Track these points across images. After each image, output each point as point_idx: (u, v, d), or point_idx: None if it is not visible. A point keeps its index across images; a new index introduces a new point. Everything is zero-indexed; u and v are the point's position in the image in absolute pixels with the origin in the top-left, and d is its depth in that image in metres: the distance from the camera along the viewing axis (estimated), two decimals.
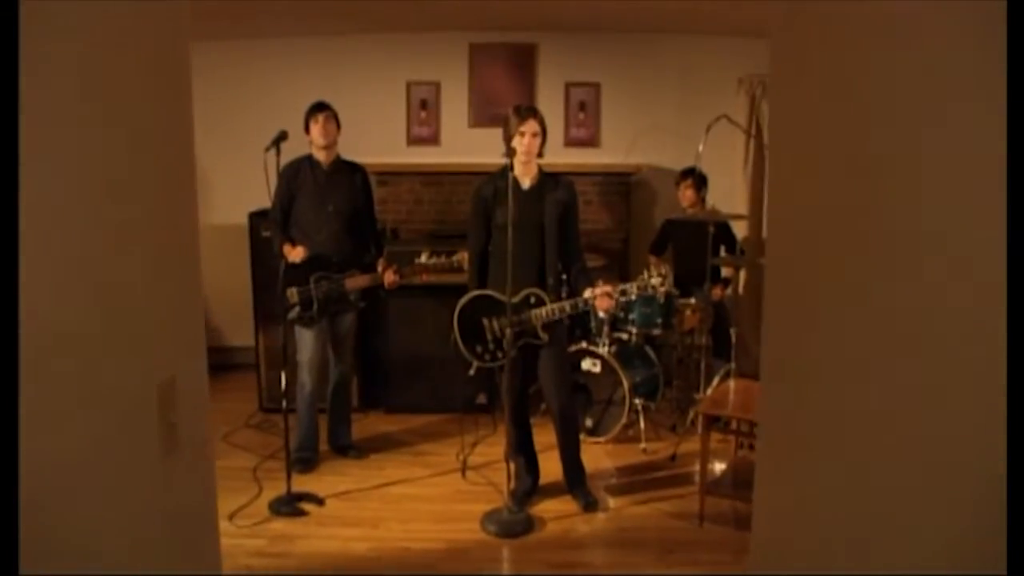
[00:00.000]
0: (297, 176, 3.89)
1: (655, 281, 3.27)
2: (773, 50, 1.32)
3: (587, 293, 3.30)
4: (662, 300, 4.28)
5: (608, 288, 3.28)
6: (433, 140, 5.61)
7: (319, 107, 3.85)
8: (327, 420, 4.16)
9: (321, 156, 3.90)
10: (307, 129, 3.87)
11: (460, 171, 5.33)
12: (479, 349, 3.38)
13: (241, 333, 5.41)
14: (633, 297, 3.35)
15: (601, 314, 4.10)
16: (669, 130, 5.53)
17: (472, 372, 3.44)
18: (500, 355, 3.34)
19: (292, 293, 3.81)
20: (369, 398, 4.86)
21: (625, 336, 4.48)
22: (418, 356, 4.67)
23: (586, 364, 4.32)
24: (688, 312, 4.53)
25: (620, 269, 5.40)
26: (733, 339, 4.43)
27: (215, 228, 5.65)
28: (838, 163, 1.11)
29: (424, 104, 5.58)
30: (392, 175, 5.48)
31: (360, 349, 4.72)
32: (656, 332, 4.45)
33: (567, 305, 3.27)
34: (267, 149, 3.31)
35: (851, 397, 1.10)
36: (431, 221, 5.51)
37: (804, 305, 1.23)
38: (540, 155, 3.38)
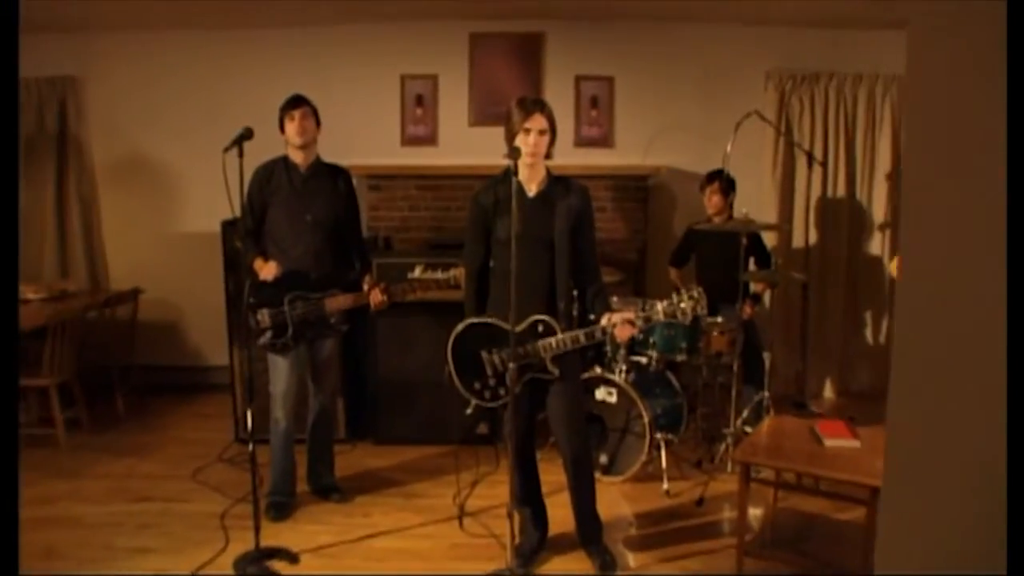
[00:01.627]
0: (270, 181, 3.40)
1: (685, 305, 2.76)
2: (911, 42, 1.18)
3: (605, 320, 2.78)
4: (688, 321, 3.77)
5: (630, 315, 2.77)
6: (430, 140, 5.21)
7: (294, 102, 3.36)
8: (306, 457, 3.67)
9: (297, 158, 3.41)
10: (282, 127, 3.39)
11: (459, 174, 4.95)
12: (477, 386, 2.88)
13: (219, 351, 4.94)
14: (661, 318, 2.82)
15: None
16: (690, 129, 5.10)
17: (470, 411, 2.93)
18: (503, 393, 2.84)
19: (264, 316, 3.32)
20: (356, 428, 4.37)
21: (644, 360, 3.97)
22: (410, 381, 4.19)
23: (600, 393, 3.81)
24: (715, 334, 4.02)
25: (636, 283, 4.93)
26: (767, 364, 3.93)
27: (189, 236, 5.22)
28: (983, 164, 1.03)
29: (420, 100, 5.17)
30: (384, 179, 5.07)
31: (346, 373, 4.26)
32: (680, 358, 3.94)
33: (581, 335, 2.76)
34: (226, 149, 2.81)
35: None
36: (427, 229, 5.08)
37: (945, 328, 1.10)
38: (548, 156, 2.87)
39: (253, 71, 5.04)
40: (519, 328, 2.73)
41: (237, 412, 4.36)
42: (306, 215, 3.38)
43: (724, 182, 4.28)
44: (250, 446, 3.02)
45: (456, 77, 5.11)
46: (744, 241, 3.85)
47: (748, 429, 3.96)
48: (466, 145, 5.07)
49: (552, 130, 2.81)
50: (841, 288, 5.15)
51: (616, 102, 5.14)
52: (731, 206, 4.39)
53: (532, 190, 2.88)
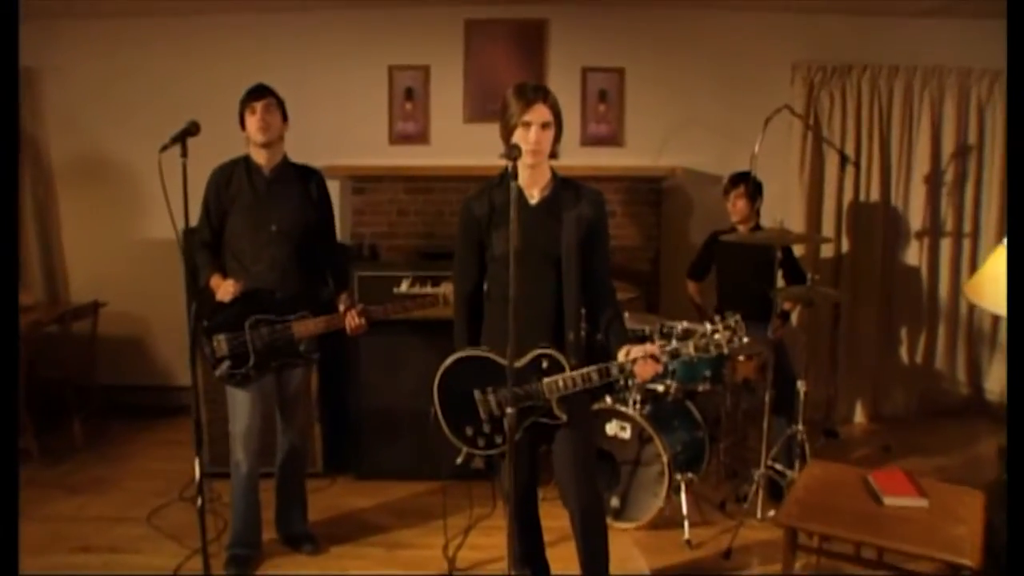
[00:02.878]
0: (229, 185, 2.94)
1: (720, 337, 2.29)
2: None
3: (622, 355, 2.31)
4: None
5: (653, 348, 2.29)
6: (420, 138, 4.80)
7: (256, 92, 2.89)
8: (274, 501, 3.21)
9: (261, 158, 2.94)
10: (242, 123, 2.92)
11: (453, 176, 4.58)
12: (469, 431, 2.41)
13: (188, 370, 4.48)
14: (692, 355, 2.35)
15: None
16: (708, 126, 4.69)
17: (460, 461, 2.45)
18: (499, 441, 2.37)
19: (221, 342, 2.86)
20: (335, 461, 3.91)
21: (661, 388, 3.50)
22: (396, 408, 3.73)
23: (611, 428, 3.35)
24: (742, 359, 3.55)
25: (649, 297, 4.46)
26: (801, 395, 3.46)
27: (156, 244, 4.78)
28: None
29: (410, 94, 4.76)
30: (370, 180, 4.68)
31: (324, 400, 3.81)
32: (702, 388, 3.47)
33: (594, 373, 2.29)
34: (163, 148, 2.35)
35: None
36: (417, 236, 4.66)
37: None
38: (553, 155, 2.39)
39: (226, 62, 4.58)
40: (519, 363, 2.26)
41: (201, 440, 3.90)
42: (271, 225, 2.91)
43: (750, 186, 3.82)
44: (199, 501, 2.55)
45: (450, 68, 4.71)
46: (779, 254, 3.38)
47: (778, 467, 3.50)
48: (461, 144, 4.66)
49: (557, 123, 2.33)
50: (874, 302, 4.69)
51: (627, 96, 4.74)
52: (758, 212, 3.93)
53: (534, 196, 2.41)
